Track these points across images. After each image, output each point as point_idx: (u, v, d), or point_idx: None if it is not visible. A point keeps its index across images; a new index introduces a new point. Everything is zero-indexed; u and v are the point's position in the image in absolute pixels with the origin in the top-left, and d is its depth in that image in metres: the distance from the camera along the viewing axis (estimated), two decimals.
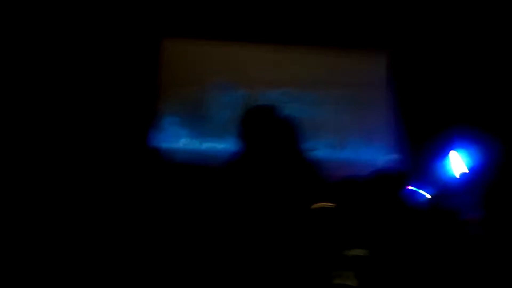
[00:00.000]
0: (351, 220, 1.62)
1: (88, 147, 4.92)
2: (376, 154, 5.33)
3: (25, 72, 4.98)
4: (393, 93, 5.41)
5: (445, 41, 5.28)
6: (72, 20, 5.21)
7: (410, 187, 3.97)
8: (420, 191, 4.01)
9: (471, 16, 5.11)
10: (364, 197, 1.63)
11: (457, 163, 4.53)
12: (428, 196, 3.32)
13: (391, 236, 1.66)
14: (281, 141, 1.39)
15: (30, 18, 5.03)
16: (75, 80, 5.17)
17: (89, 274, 2.04)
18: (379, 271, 1.49)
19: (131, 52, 5.39)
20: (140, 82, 5.41)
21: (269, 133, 1.39)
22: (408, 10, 5.30)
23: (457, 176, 4.41)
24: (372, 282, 1.48)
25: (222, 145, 5.36)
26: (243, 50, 5.59)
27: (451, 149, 4.66)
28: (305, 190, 1.37)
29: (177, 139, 5.44)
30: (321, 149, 5.29)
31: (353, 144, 5.36)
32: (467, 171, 4.10)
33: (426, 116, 5.22)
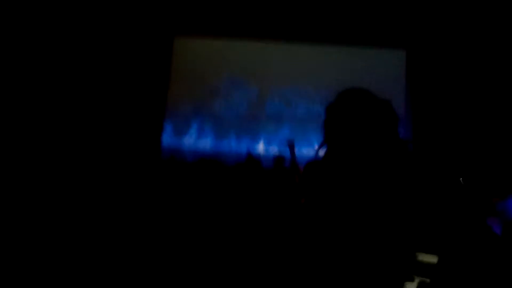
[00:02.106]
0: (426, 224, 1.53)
1: (97, 143, 4.99)
2: None
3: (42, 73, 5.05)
4: (410, 92, 5.27)
5: (462, 41, 5.12)
6: (86, 22, 5.25)
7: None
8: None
9: (488, 15, 4.95)
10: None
11: None
12: None
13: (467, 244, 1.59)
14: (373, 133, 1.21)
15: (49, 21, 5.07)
16: (88, 79, 5.23)
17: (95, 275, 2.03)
18: (451, 279, 1.42)
19: (143, 50, 5.41)
20: (152, 79, 5.42)
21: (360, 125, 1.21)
22: (424, 10, 5.16)
23: None
24: None
25: (234, 143, 5.34)
26: (254, 47, 5.53)
27: None
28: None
29: (188, 137, 5.42)
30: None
31: None
32: None
33: (442, 116, 5.09)
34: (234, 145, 5.35)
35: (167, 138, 5.43)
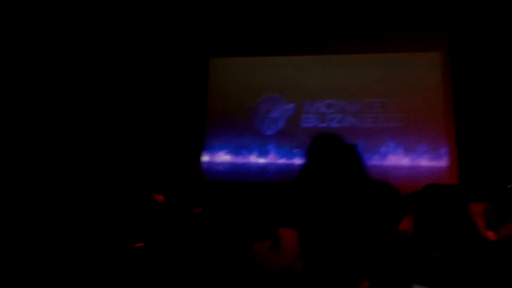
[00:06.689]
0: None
1: (134, 161, 5.16)
2: (424, 161, 5.01)
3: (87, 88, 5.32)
4: (448, 97, 5.09)
5: (501, 42, 4.91)
6: (124, 48, 5.57)
7: None
8: None
9: None
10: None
11: None
12: None
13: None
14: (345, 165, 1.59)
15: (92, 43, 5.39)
16: (126, 100, 5.51)
17: None
18: None
19: (180, 71, 5.65)
20: (189, 100, 5.64)
21: (334, 156, 1.62)
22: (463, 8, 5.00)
23: None
24: None
25: (268, 159, 5.39)
26: (288, 63, 5.59)
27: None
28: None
29: (226, 154, 5.52)
30: (368, 157, 5.10)
31: (399, 152, 5.10)
32: None
33: (483, 119, 4.86)
34: (273, 159, 5.37)
35: (206, 156, 5.56)
